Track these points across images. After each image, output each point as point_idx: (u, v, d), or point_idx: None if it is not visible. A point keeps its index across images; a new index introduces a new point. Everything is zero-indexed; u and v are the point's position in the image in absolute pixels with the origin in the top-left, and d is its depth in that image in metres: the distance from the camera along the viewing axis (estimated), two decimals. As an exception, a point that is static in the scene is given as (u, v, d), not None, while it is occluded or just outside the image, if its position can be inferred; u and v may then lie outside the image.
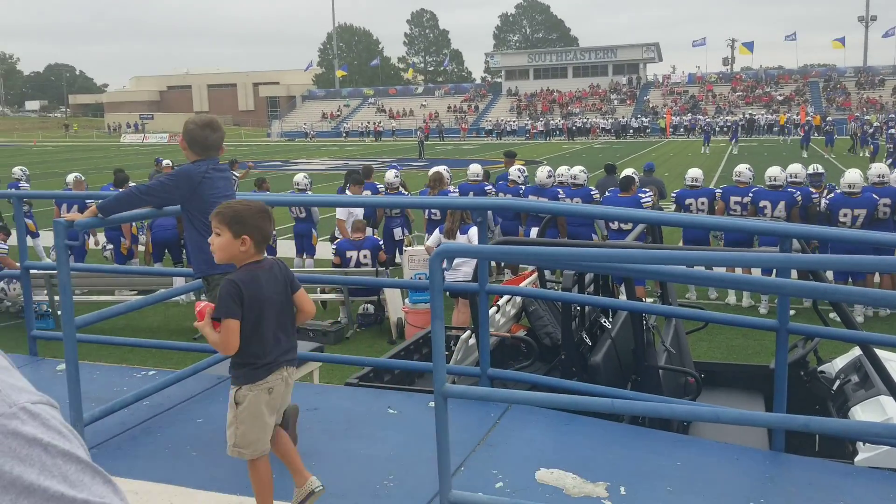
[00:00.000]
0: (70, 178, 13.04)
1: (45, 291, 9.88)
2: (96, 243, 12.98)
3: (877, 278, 10.07)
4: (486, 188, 12.28)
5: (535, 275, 6.34)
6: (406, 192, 13.33)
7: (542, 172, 11.78)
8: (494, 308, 5.56)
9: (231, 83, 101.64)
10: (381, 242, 10.42)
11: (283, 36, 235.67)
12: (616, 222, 10.18)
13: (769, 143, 47.63)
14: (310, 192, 13.06)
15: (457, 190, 12.23)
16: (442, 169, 11.63)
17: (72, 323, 3.79)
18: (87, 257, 12.38)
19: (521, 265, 9.74)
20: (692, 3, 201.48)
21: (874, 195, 9.87)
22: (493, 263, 10.21)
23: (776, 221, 6.91)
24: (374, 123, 68.91)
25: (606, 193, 11.20)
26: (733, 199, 10.73)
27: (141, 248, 12.35)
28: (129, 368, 5.55)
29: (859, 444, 4.45)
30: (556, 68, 78.22)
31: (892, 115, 47.62)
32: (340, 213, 11.02)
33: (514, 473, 3.55)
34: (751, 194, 10.54)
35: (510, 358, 5.66)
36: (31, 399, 0.74)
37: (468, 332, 5.12)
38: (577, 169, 11.76)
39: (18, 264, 5.41)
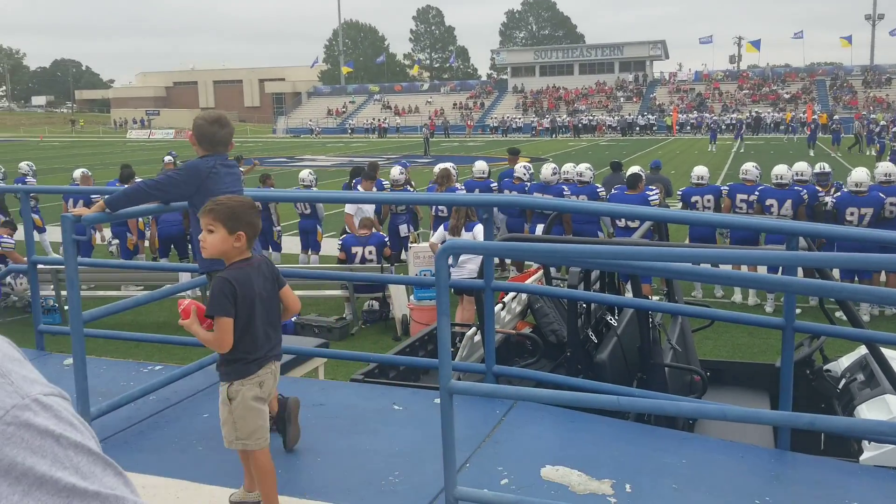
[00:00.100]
0: (77, 173, 13.07)
1: (52, 286, 9.92)
2: (102, 239, 13.01)
3: (883, 277, 10.04)
4: (491, 185, 12.29)
5: (541, 272, 6.33)
6: (412, 189, 13.34)
7: (547, 169, 11.77)
8: (500, 305, 5.56)
9: (237, 79, 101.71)
10: (386, 239, 10.43)
11: (288, 32, 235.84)
12: (623, 219, 10.17)
13: (776, 141, 47.50)
14: (315, 189, 13.07)
15: (463, 187, 12.24)
16: (449, 165, 11.64)
17: (79, 318, 3.80)
18: (93, 253, 12.41)
19: (526, 262, 9.73)
20: (699, 1, 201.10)
21: (881, 194, 9.85)
22: (496, 260, 10.21)
23: (782, 219, 6.89)
24: (379, 120, 68.88)
25: (613, 191, 11.19)
26: (739, 196, 10.71)
27: (147, 243, 12.38)
28: (135, 363, 5.56)
29: (864, 443, 4.44)
30: (562, 65, 78.06)
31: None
32: (350, 207, 11.04)
33: (519, 470, 3.55)
34: (757, 192, 10.51)
35: (515, 355, 5.66)
36: (43, 391, 0.75)
37: (474, 328, 5.12)
38: (583, 166, 11.75)
39: (25, 259, 5.43)
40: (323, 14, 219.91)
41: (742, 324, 6.60)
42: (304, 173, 12.79)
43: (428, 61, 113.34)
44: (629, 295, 5.66)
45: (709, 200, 11.04)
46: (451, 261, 2.96)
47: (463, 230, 8.44)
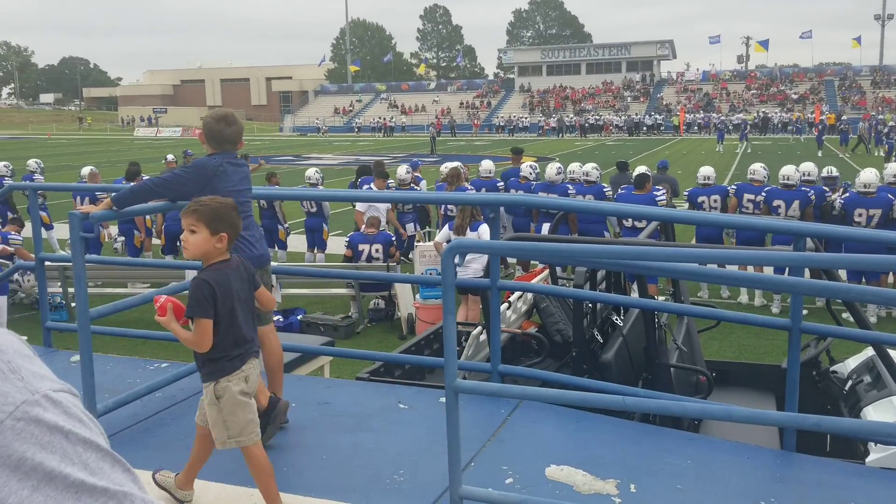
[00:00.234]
0: (85, 170, 13.12)
1: (60, 283, 9.95)
2: (109, 236, 13.05)
3: (891, 278, 10.01)
4: (498, 184, 12.29)
5: (547, 271, 6.33)
6: (417, 188, 13.34)
7: (552, 169, 11.76)
8: (506, 304, 5.56)
9: (244, 77, 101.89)
10: (393, 238, 10.44)
11: (295, 31, 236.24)
12: (629, 219, 10.16)
13: (783, 141, 47.35)
14: (321, 187, 13.09)
15: (471, 187, 12.24)
16: (458, 165, 11.65)
17: (86, 314, 3.82)
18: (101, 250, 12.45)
19: (532, 262, 9.73)
20: (707, 1, 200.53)
21: (889, 195, 9.81)
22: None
23: (789, 220, 6.87)
24: (385, 119, 68.88)
25: (620, 190, 11.17)
26: (746, 196, 10.68)
27: (156, 241, 12.41)
28: (141, 361, 5.58)
29: (871, 445, 4.43)
30: (569, 65, 77.92)
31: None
32: (361, 204, 11.06)
33: (524, 469, 3.55)
34: (764, 193, 10.48)
35: (521, 354, 5.67)
36: (52, 387, 0.75)
37: (479, 328, 5.13)
38: (589, 166, 11.73)
39: (33, 256, 5.45)
40: (330, 13, 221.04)
41: (748, 324, 6.58)
42: (311, 171, 12.82)
43: (435, 60, 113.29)
44: (635, 295, 5.66)
45: (715, 201, 11.02)
46: (457, 260, 2.97)
47: (468, 230, 8.44)
